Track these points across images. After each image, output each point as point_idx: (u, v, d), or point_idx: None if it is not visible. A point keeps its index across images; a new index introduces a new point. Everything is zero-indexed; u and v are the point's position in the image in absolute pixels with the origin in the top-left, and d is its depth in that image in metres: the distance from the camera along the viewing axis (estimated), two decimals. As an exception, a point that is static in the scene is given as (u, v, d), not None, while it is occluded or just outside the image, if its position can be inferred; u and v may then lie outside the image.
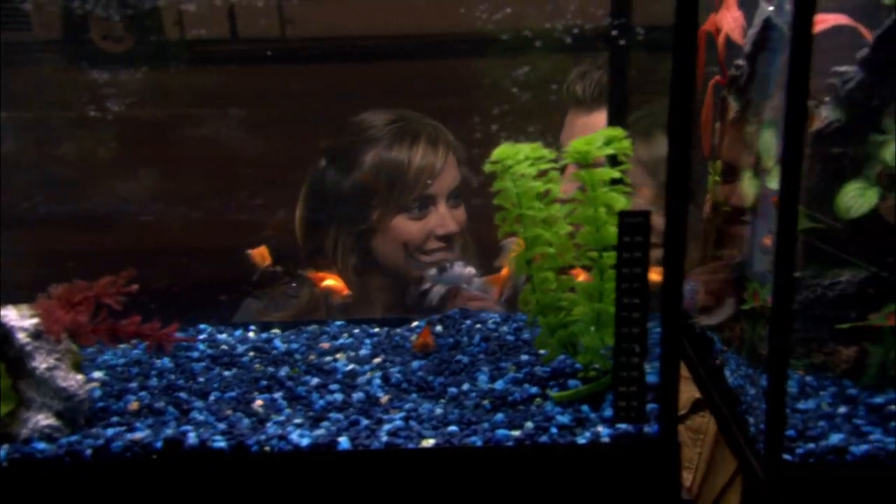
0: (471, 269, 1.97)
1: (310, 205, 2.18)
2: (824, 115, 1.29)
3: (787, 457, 1.13)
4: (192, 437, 1.24)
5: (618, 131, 1.37)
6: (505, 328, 1.66)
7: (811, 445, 1.15)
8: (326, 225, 2.14)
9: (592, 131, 1.91)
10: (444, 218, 2.12)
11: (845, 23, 1.28)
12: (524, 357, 1.51)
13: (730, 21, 1.43)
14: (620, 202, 1.33)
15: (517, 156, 1.38)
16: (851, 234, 1.31)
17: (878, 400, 1.25)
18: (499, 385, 1.39)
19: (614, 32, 1.58)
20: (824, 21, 1.28)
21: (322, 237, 2.12)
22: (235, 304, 2.15)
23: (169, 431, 1.25)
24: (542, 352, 1.46)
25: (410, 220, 2.11)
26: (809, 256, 1.34)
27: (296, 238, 2.18)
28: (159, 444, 1.23)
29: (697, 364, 1.52)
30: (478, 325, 1.68)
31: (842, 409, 1.24)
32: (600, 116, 1.93)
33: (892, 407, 1.23)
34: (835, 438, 1.16)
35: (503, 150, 1.39)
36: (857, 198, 1.26)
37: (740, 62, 1.42)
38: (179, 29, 2.08)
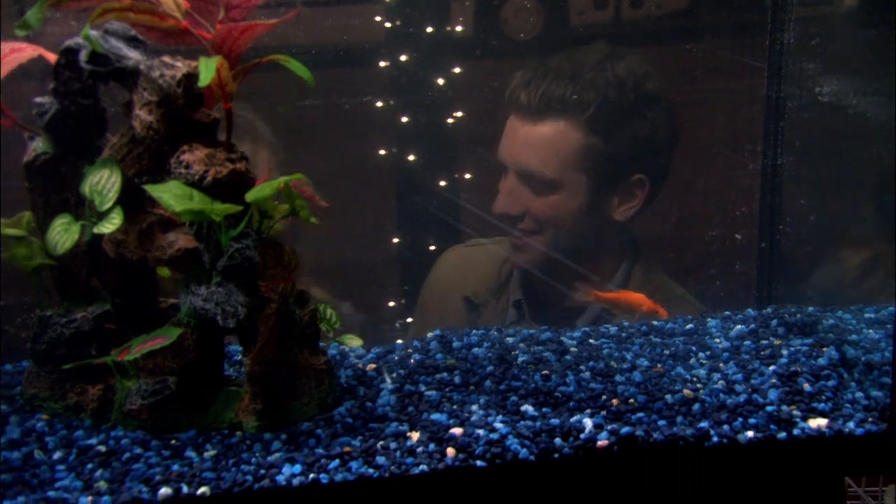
0: None
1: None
2: (33, 147, 1.24)
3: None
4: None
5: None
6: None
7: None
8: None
9: (537, 142, 1.88)
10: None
11: (43, 54, 1.23)
12: None
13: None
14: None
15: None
16: (91, 269, 1.27)
17: (92, 441, 1.20)
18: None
19: None
20: (21, 51, 1.23)
21: None
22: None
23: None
24: None
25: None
26: (63, 294, 1.29)
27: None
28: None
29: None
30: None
31: (57, 455, 1.19)
32: (546, 127, 1.90)
33: (101, 448, 1.19)
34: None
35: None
36: (62, 233, 1.21)
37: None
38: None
